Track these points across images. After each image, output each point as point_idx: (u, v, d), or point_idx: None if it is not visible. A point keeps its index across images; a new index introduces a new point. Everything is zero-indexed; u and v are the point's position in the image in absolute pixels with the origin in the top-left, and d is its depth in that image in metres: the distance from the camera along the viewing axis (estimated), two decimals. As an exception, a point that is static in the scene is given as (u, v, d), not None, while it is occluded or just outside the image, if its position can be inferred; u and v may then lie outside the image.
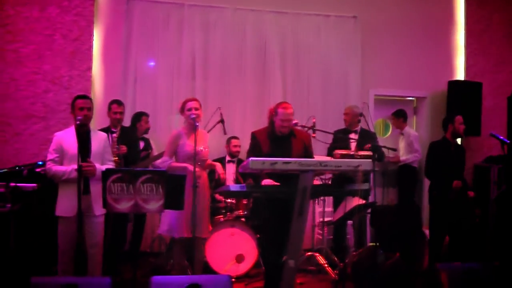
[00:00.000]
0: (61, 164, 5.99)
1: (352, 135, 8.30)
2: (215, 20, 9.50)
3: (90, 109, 6.14)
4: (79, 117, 5.98)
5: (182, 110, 6.70)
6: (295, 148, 6.36)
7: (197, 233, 6.36)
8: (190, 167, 6.29)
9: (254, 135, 6.46)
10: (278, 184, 5.98)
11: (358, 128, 8.43)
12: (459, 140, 10.24)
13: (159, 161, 7.15)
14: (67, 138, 6.02)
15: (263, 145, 6.34)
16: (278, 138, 6.36)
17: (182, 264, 6.83)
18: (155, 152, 8.32)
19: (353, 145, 8.17)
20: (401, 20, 10.42)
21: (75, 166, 5.77)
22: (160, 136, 8.82)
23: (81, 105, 6.07)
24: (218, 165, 6.87)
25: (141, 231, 8.30)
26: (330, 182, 8.00)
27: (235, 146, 8.85)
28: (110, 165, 6.20)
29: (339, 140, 8.17)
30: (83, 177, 5.82)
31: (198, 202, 6.32)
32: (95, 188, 5.90)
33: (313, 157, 6.61)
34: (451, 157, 7.70)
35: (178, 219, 6.48)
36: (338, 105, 9.72)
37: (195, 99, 6.78)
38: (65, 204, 5.93)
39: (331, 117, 9.61)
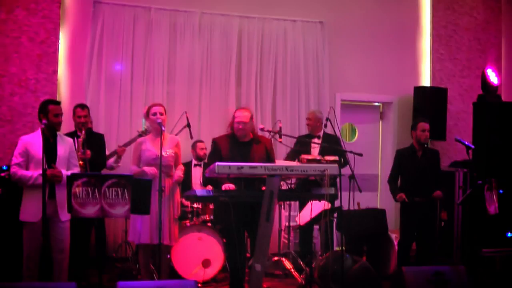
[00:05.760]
0: (27, 168, 5.91)
1: (315, 140, 8.32)
2: (183, 24, 9.44)
3: (61, 115, 6.16)
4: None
5: (147, 114, 6.71)
6: (256, 153, 6.39)
7: (161, 239, 6.34)
8: (148, 170, 6.33)
9: (214, 141, 6.54)
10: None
11: (321, 133, 8.47)
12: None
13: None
14: (33, 142, 5.95)
15: (223, 150, 6.38)
16: (239, 143, 6.39)
17: (147, 269, 6.80)
18: (106, 152, 8.21)
19: (315, 150, 8.20)
20: (367, 26, 10.47)
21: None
22: (124, 139, 8.64)
23: (57, 111, 6.08)
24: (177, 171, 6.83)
25: (103, 234, 8.20)
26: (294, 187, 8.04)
27: (202, 149, 8.76)
28: (76, 170, 6.15)
29: (302, 144, 8.21)
30: (49, 182, 5.78)
31: (162, 209, 6.29)
32: (61, 193, 5.86)
33: (275, 162, 6.65)
34: (416, 164, 7.70)
35: (142, 225, 6.46)
36: (306, 109, 9.72)
37: (160, 104, 6.80)
38: (30, 209, 5.87)
39: (297, 122, 9.65)
